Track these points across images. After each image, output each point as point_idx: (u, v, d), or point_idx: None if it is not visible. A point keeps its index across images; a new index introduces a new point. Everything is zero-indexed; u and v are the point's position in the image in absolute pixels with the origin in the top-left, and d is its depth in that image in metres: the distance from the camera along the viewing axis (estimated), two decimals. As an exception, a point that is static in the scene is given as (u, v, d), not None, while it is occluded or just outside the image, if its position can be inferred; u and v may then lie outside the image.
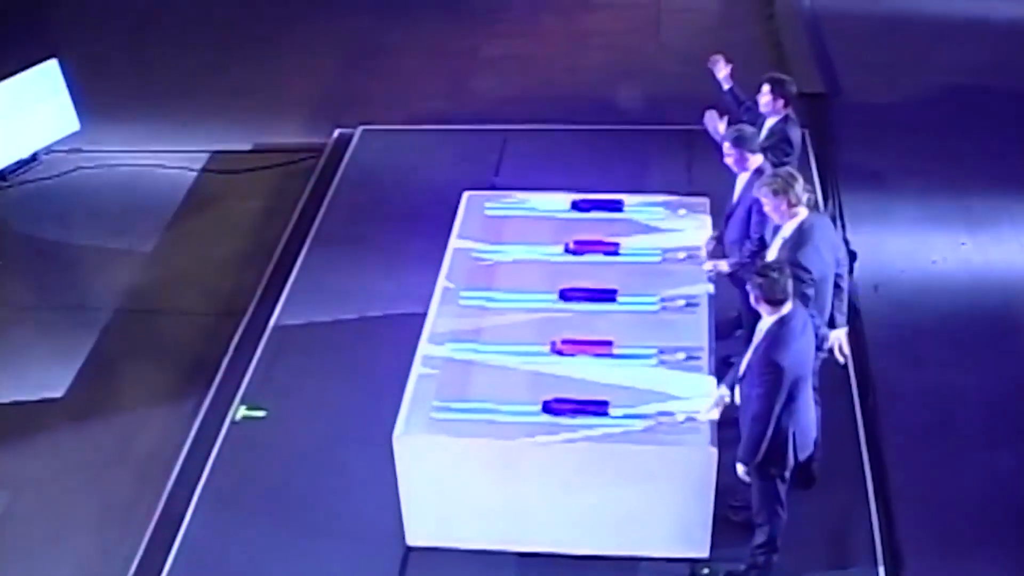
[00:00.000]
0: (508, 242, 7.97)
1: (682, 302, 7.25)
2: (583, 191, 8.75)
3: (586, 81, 12.28)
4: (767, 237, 7.00)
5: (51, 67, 10.91)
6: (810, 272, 6.16)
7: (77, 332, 9.23)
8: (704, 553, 6.55)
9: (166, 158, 11.25)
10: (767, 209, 6.50)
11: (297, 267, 9.45)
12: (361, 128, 11.16)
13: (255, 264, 9.88)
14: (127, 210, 10.62)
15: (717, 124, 7.99)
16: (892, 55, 12.71)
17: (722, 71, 8.37)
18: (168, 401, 8.58)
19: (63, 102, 11.07)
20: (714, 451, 6.13)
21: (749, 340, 6.29)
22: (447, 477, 6.45)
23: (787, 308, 5.69)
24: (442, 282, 7.61)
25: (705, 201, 8.32)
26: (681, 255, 7.72)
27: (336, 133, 11.31)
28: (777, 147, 7.73)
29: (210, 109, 12.03)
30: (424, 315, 8.12)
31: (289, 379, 8.33)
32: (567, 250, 7.87)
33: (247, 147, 11.44)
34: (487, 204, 8.40)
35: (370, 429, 7.55)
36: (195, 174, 11.08)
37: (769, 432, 5.81)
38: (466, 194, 8.54)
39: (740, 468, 6.07)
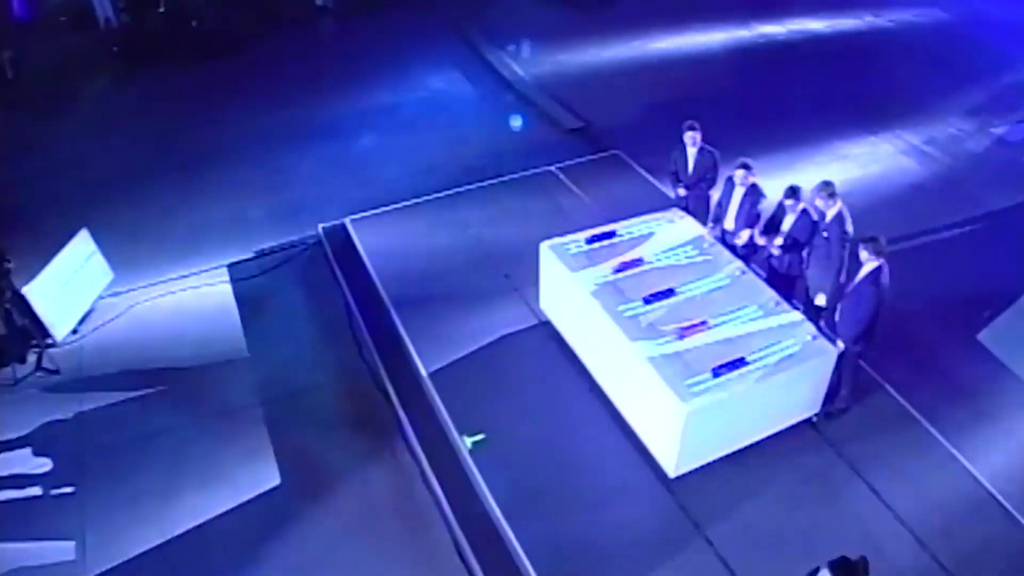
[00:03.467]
0: (619, 264, 8.08)
1: (741, 271, 8.02)
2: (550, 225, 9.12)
3: (441, 155, 11.95)
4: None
5: (84, 235, 9.27)
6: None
7: (248, 429, 8.15)
8: (817, 410, 7.64)
9: (193, 281, 9.77)
10: (818, 203, 7.59)
11: (399, 325, 8.78)
12: (348, 218, 10.28)
13: (337, 337, 9.13)
14: (198, 328, 9.20)
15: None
16: (620, 90, 13.45)
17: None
18: (364, 457, 7.90)
19: (99, 260, 9.43)
20: (835, 351, 7.26)
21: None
22: (707, 422, 6.90)
23: (882, 260, 6.98)
24: (593, 301, 7.66)
25: (678, 210, 8.86)
26: (707, 244, 8.37)
27: (320, 228, 10.33)
28: (711, 168, 8.87)
29: (199, 235, 10.41)
30: (515, 333, 8.34)
31: (474, 407, 7.88)
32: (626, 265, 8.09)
33: (249, 255, 10.16)
34: (572, 244, 8.35)
35: (570, 420, 7.78)
36: (228, 285, 9.75)
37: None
38: (544, 243, 8.42)
39: (841, 344, 7.33)
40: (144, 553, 7.14)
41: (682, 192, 8.96)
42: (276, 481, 7.68)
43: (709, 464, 7.23)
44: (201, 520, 7.38)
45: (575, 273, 8.01)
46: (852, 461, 7.36)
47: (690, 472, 7.15)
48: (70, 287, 9.01)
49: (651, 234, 8.58)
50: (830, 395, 7.67)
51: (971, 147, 12.21)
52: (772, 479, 7.21)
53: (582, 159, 11.70)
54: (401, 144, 12.38)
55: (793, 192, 7.85)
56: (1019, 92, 13.58)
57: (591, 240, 8.49)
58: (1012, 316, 9.24)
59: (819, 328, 7.53)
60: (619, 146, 11.99)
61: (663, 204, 9.44)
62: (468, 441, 7.54)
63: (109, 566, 7.06)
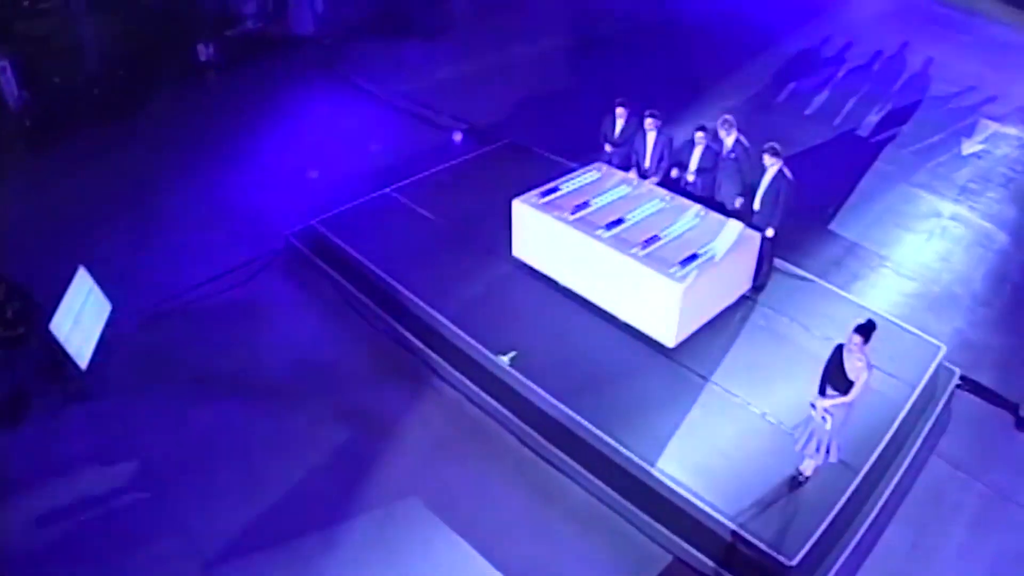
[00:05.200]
0: (571, 207, 9.41)
1: (669, 196, 9.72)
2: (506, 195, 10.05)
3: (358, 165, 12.75)
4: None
5: (82, 273, 9.35)
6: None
7: (302, 402, 8.77)
8: (750, 285, 9.48)
9: (186, 297, 10.02)
10: (721, 133, 9.42)
11: (405, 291, 9.52)
12: (317, 220, 10.79)
13: (341, 316, 9.88)
14: (210, 334, 9.56)
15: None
16: (481, 95, 14.78)
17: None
18: (413, 400, 8.79)
19: (97, 293, 9.51)
20: (759, 236, 9.11)
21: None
22: (691, 299, 8.47)
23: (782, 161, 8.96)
24: (575, 230, 9.06)
25: (601, 164, 10.38)
26: (635, 183, 10.00)
27: (289, 233, 10.82)
28: (635, 134, 10.34)
29: (171, 262, 10.61)
30: (502, 277, 9.71)
31: (496, 335, 8.84)
32: (579, 207, 9.44)
33: (228, 267, 10.49)
34: (534, 198, 9.60)
35: (574, 328, 9.11)
36: (221, 295, 10.11)
37: None
38: (516, 200, 9.60)
39: (771, 232, 9.15)
40: (251, 524, 7.62)
41: (608, 149, 10.55)
42: (346, 436, 8.37)
43: (692, 335, 8.87)
44: (293, 484, 7.95)
45: (551, 216, 9.37)
46: (786, 313, 9.35)
47: (682, 343, 8.77)
48: (80, 320, 9.06)
49: (587, 183, 10.04)
50: (755, 274, 9.57)
51: (776, 100, 14.94)
52: (738, 336, 9.06)
53: (484, 149, 12.89)
54: (319, 161, 13.12)
55: (703, 129, 9.71)
56: (801, 54, 16.51)
57: (543, 195, 9.82)
58: (847, 210, 11.87)
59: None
60: (505, 137, 13.34)
61: (570, 169, 10.79)
62: (506, 358, 8.63)
63: (224, 544, 7.45)
